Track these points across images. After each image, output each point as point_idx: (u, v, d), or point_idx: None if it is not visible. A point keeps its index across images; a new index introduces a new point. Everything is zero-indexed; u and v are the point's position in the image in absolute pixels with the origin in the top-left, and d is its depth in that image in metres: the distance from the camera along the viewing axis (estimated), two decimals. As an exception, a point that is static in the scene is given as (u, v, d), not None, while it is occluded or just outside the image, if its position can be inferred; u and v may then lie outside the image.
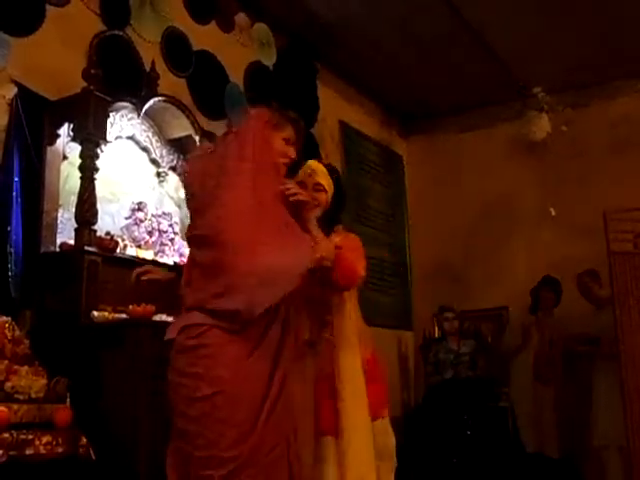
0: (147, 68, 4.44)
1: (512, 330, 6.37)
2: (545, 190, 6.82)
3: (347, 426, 2.53)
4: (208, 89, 5.09)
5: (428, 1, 5.51)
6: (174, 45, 4.86)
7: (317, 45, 6.09)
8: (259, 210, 2.32)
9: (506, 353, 6.28)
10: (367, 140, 7.10)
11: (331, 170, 2.85)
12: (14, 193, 3.61)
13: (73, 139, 3.82)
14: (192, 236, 2.47)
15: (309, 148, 6.06)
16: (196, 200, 2.47)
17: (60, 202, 3.88)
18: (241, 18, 5.53)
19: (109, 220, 4.16)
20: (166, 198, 4.54)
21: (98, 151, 3.78)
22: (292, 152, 2.55)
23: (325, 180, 2.78)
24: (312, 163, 2.83)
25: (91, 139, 3.74)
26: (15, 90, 3.73)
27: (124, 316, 3.53)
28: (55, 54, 4.01)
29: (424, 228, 7.45)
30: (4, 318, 3.29)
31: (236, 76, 5.40)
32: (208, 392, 2.22)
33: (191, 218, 2.55)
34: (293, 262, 2.30)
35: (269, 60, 5.79)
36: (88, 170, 3.73)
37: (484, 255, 7.05)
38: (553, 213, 6.57)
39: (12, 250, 3.55)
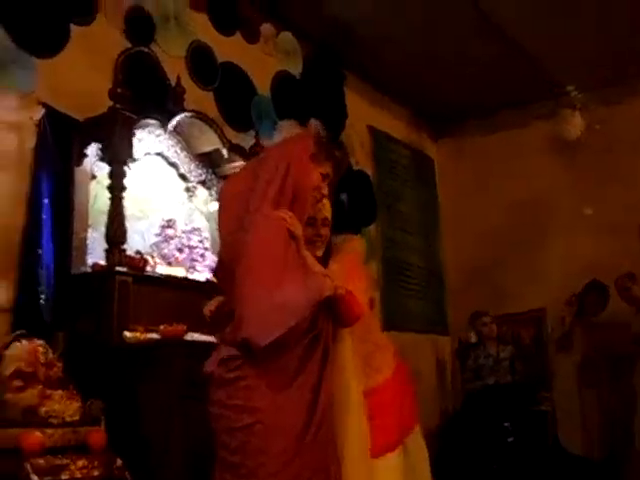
0: (173, 83, 4.42)
1: (551, 333, 6.27)
2: (579, 189, 6.71)
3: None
4: (235, 101, 5.07)
5: (454, 2, 5.42)
6: (199, 58, 4.85)
7: (343, 51, 6.04)
8: (281, 240, 2.28)
9: (546, 356, 6.18)
10: (397, 144, 7.04)
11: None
12: (44, 215, 3.62)
13: (101, 159, 3.82)
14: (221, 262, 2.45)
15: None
16: (227, 225, 2.45)
17: (90, 222, 3.87)
18: (266, 28, 5.50)
19: (139, 238, 4.14)
20: (196, 213, 4.52)
21: (126, 169, 3.75)
22: (325, 188, 2.52)
23: (329, 213, 2.73)
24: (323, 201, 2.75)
25: (118, 158, 3.73)
26: (42, 111, 3.74)
27: (156, 336, 3.50)
28: (81, 73, 4.02)
29: (458, 231, 7.36)
30: (37, 342, 3.28)
31: (263, 87, 5.38)
32: (248, 422, 2.24)
33: (221, 243, 2.53)
34: (303, 292, 2.27)
35: (295, 69, 5.76)
36: (116, 189, 3.71)
37: (519, 257, 6.93)
38: (588, 212, 6.46)
39: (43, 272, 3.55)
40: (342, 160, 2.66)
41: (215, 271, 2.54)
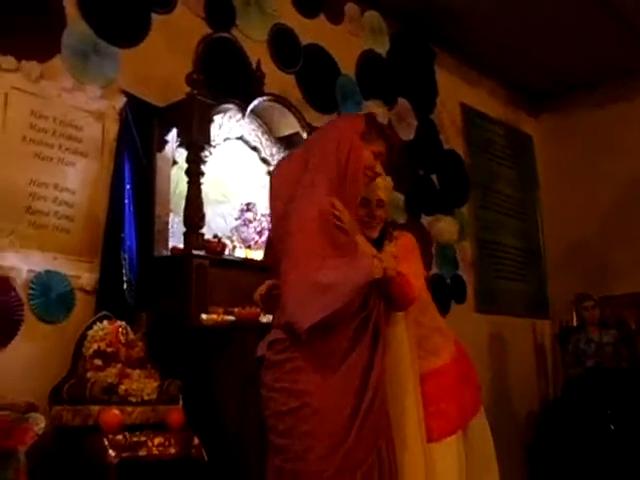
0: (254, 67, 4.45)
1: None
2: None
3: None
4: (318, 83, 5.07)
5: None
6: (282, 42, 4.88)
7: (432, 27, 5.93)
8: (324, 223, 2.26)
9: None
10: (492, 122, 6.85)
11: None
12: (126, 200, 3.73)
13: (180, 144, 3.90)
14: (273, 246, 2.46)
15: (428, 135, 5.94)
16: (277, 209, 2.46)
17: (171, 206, 3.97)
18: (350, 8, 5.46)
19: (221, 221, 4.23)
20: (277, 196, 4.54)
21: (204, 155, 3.82)
22: (379, 167, 2.48)
23: (385, 194, 2.66)
24: (379, 180, 2.70)
25: (196, 143, 3.79)
26: (124, 100, 3.87)
27: (232, 318, 3.56)
28: (162, 61, 4.12)
29: (558, 211, 7.11)
30: (118, 322, 3.41)
31: (348, 67, 5.35)
32: (294, 405, 2.25)
33: (272, 226, 2.53)
34: (348, 274, 2.23)
35: (382, 48, 5.70)
36: (194, 174, 3.78)
37: (624, 238, 6.61)
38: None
39: (126, 256, 3.67)
40: (395, 138, 2.59)
41: (265, 254, 2.56)
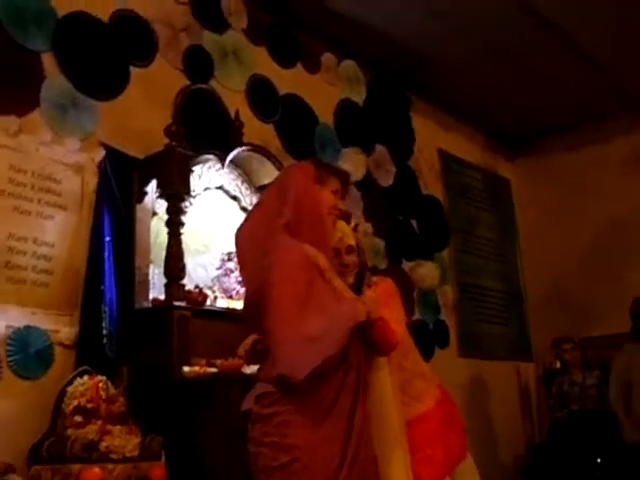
0: (232, 117, 4.49)
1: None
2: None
3: None
4: (297, 132, 5.12)
5: (522, 20, 5.30)
6: (260, 92, 4.93)
7: (406, 74, 6.03)
8: (302, 270, 2.27)
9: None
10: (469, 167, 6.94)
11: (346, 217, 2.74)
12: (106, 252, 3.71)
13: (159, 195, 3.91)
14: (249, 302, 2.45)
15: (407, 181, 6.00)
16: (247, 269, 2.46)
17: (152, 258, 3.96)
18: (327, 57, 5.55)
19: (202, 272, 4.22)
20: (258, 245, 4.55)
21: (184, 205, 3.83)
22: (341, 204, 2.51)
23: (353, 240, 2.68)
24: (339, 225, 2.70)
25: (175, 194, 3.81)
26: (103, 152, 3.88)
27: (215, 370, 3.53)
28: (141, 113, 4.14)
29: (538, 253, 7.18)
30: (99, 377, 3.37)
31: (325, 116, 5.42)
32: (285, 460, 2.21)
33: (245, 284, 2.54)
34: (336, 321, 2.23)
35: (359, 96, 5.79)
36: (174, 225, 3.79)
37: (604, 279, 6.68)
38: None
39: (106, 308, 3.64)
40: (345, 172, 2.64)
41: (243, 312, 2.55)
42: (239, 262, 2.56)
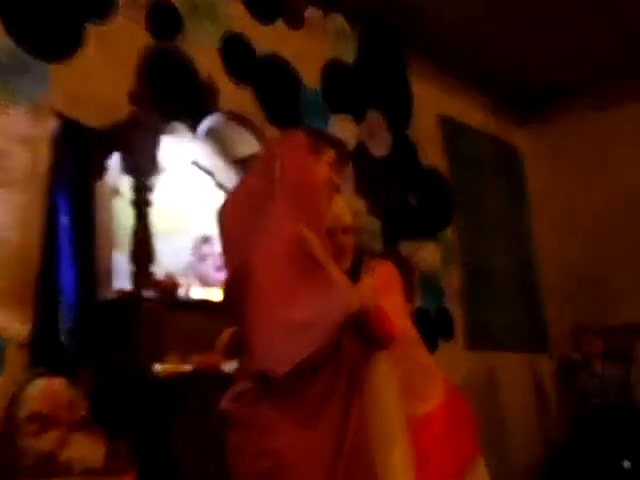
0: (205, 81, 4.44)
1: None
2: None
3: None
4: (279, 97, 5.07)
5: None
6: (235, 51, 4.87)
7: (404, 30, 5.97)
8: (290, 252, 2.22)
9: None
10: (474, 134, 6.93)
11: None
12: (62, 238, 3.68)
13: (123, 171, 3.85)
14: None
15: (404, 151, 5.96)
16: (230, 251, 2.42)
17: (115, 243, 3.91)
18: (312, 11, 5.49)
19: (174, 257, 4.17)
20: (237, 226, 4.51)
21: (151, 182, 3.78)
22: (337, 178, 2.47)
23: (350, 219, 2.64)
24: (335, 202, 2.65)
25: (141, 169, 3.76)
26: (57, 122, 3.81)
27: (189, 367, 3.51)
28: (100, 77, 4.07)
29: (555, 230, 7.19)
30: (57, 380, 3.32)
31: (311, 79, 5.37)
32: (266, 465, 2.20)
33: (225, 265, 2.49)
34: (324, 309, 2.19)
35: (349, 55, 5.74)
36: (141, 205, 3.74)
37: (629, 259, 6.70)
38: None
39: (64, 301, 3.61)
40: (342, 142, 2.62)
41: (223, 301, 2.50)
42: (222, 244, 2.50)
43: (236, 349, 2.44)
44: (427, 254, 5.96)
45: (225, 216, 2.46)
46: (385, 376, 2.49)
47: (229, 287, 2.39)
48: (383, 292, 2.44)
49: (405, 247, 5.87)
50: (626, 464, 5.73)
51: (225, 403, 2.33)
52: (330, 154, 2.52)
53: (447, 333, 6.06)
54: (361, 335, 2.37)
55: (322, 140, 2.55)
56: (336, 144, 2.59)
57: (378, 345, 2.45)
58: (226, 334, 2.52)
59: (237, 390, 2.30)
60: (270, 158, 2.41)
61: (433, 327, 5.90)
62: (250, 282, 2.23)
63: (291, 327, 2.16)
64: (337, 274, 2.35)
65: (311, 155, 2.45)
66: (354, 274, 2.54)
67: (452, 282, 6.27)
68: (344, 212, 2.62)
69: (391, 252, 5.52)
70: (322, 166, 2.48)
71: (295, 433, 2.18)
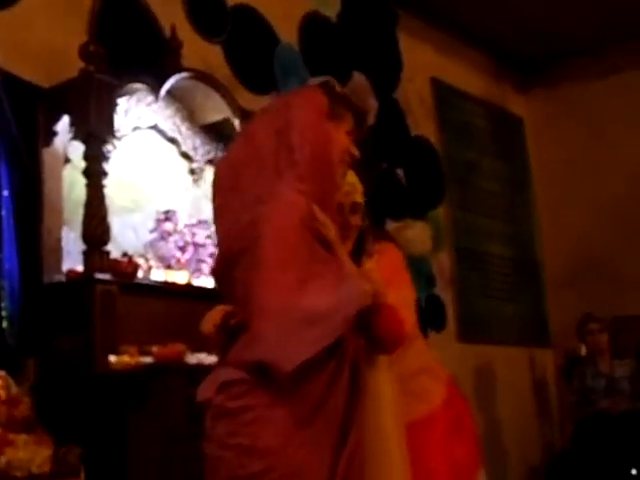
0: (167, 35, 4.41)
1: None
2: None
3: None
4: (251, 55, 5.08)
5: None
6: (202, 1, 4.84)
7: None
8: (304, 233, 2.22)
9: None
10: (471, 100, 6.97)
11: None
12: (4, 211, 3.66)
13: (74, 137, 3.83)
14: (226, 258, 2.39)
15: (392, 118, 5.97)
16: (226, 218, 2.39)
17: (65, 217, 3.91)
18: (289, -42, 5.47)
19: (132, 235, 4.20)
20: (203, 201, 4.51)
21: (106, 150, 3.77)
22: (355, 149, 2.45)
23: (361, 196, 2.66)
24: (349, 177, 2.65)
25: (95, 135, 3.74)
26: (-3, 80, 3.78)
27: (149, 360, 3.53)
28: (47, 28, 4.04)
29: (557, 211, 7.23)
30: (-4, 372, 3.33)
31: (288, 34, 5.37)
32: (256, 469, 2.15)
33: (220, 236, 2.46)
34: (339, 300, 2.17)
35: (331, 9, 5.75)
36: (94, 175, 3.73)
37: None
38: None
39: (5, 284, 3.59)
40: (360, 106, 2.61)
41: (214, 272, 2.47)
42: (215, 208, 2.47)
43: (230, 332, 2.38)
44: (415, 235, 5.97)
45: (223, 174, 2.43)
46: (383, 375, 2.50)
47: (224, 261, 2.36)
48: (389, 282, 2.43)
49: (391, 227, 5.88)
50: (634, 472, 5.81)
51: (206, 393, 2.28)
52: (349, 121, 2.47)
53: (438, 324, 6.11)
54: (364, 332, 2.37)
55: (343, 104, 2.50)
56: (355, 109, 2.56)
57: (384, 348, 2.45)
58: (216, 312, 2.46)
59: (224, 378, 2.25)
60: (289, 120, 2.37)
61: (423, 317, 5.92)
62: (258, 256, 2.20)
63: (301, 318, 2.13)
64: (349, 262, 2.35)
65: (330, 121, 2.40)
66: (356, 256, 2.54)
67: (443, 267, 6.31)
68: (355, 188, 2.62)
69: (378, 233, 5.53)
70: (341, 135, 2.43)
71: (293, 431, 2.16)
